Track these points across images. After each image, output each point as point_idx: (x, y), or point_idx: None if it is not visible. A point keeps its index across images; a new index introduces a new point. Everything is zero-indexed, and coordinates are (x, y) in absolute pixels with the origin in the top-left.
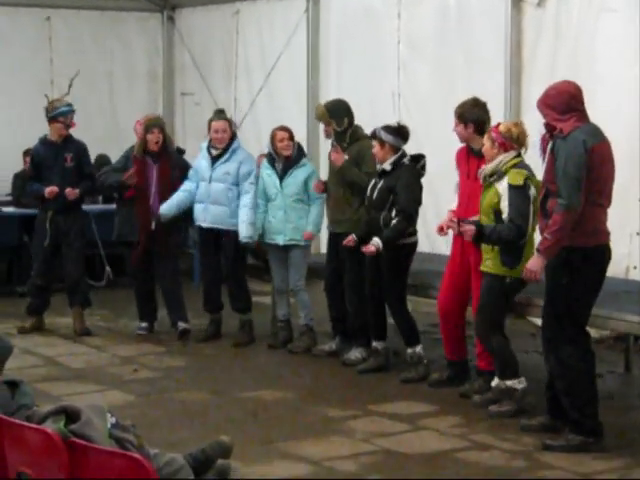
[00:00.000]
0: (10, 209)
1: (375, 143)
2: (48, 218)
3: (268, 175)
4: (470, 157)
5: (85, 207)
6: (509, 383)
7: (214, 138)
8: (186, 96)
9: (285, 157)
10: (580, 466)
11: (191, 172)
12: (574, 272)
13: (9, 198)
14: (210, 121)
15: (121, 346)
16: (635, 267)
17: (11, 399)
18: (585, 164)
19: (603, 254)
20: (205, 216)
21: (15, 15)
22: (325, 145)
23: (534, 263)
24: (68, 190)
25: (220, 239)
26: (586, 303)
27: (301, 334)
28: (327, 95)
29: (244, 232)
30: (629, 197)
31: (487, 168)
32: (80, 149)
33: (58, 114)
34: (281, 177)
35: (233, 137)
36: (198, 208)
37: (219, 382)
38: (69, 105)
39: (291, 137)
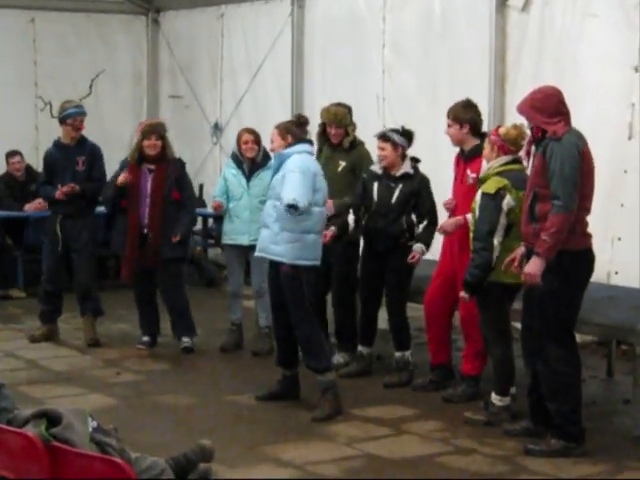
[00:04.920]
0: None
1: (385, 146)
2: (58, 222)
3: (233, 175)
4: (459, 160)
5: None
6: (493, 397)
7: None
8: (175, 99)
9: (249, 159)
10: (562, 471)
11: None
12: (565, 275)
13: None
14: None
15: (104, 349)
16: (617, 272)
17: None
18: (580, 167)
19: (590, 256)
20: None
21: None
22: None
23: (534, 266)
24: (66, 186)
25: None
26: (575, 306)
27: (261, 336)
28: (312, 98)
29: None
30: (612, 202)
31: (481, 173)
32: (93, 152)
33: (65, 116)
34: (248, 177)
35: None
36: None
37: (202, 385)
38: (78, 107)
39: (256, 141)
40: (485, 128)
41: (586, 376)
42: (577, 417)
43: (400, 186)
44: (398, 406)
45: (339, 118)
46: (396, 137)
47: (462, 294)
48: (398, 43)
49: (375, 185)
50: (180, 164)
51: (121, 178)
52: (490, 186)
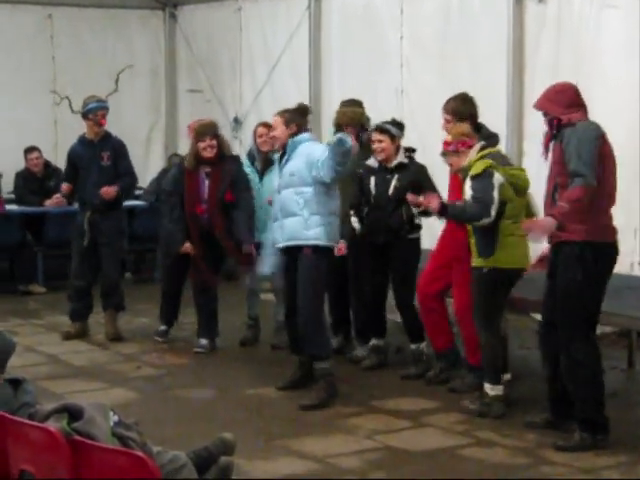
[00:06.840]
0: (13, 207)
1: (384, 138)
2: (86, 218)
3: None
4: None
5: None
6: (485, 386)
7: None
8: (194, 93)
9: (265, 153)
10: (583, 462)
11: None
12: (588, 268)
13: (12, 196)
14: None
15: (124, 343)
16: (639, 263)
17: (13, 397)
18: (598, 147)
19: (613, 251)
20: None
21: (16, 13)
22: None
23: (544, 222)
24: (104, 189)
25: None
26: (598, 299)
27: (280, 330)
28: (330, 91)
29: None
30: (632, 193)
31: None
32: (118, 148)
33: (86, 111)
34: (261, 175)
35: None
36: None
37: (222, 379)
38: (99, 101)
39: None
40: (504, 120)
41: (607, 367)
42: (602, 407)
43: (396, 177)
44: (418, 398)
45: (356, 120)
46: (393, 129)
47: (431, 204)
48: (416, 35)
49: (372, 179)
50: (236, 162)
51: (185, 248)
52: (476, 167)
